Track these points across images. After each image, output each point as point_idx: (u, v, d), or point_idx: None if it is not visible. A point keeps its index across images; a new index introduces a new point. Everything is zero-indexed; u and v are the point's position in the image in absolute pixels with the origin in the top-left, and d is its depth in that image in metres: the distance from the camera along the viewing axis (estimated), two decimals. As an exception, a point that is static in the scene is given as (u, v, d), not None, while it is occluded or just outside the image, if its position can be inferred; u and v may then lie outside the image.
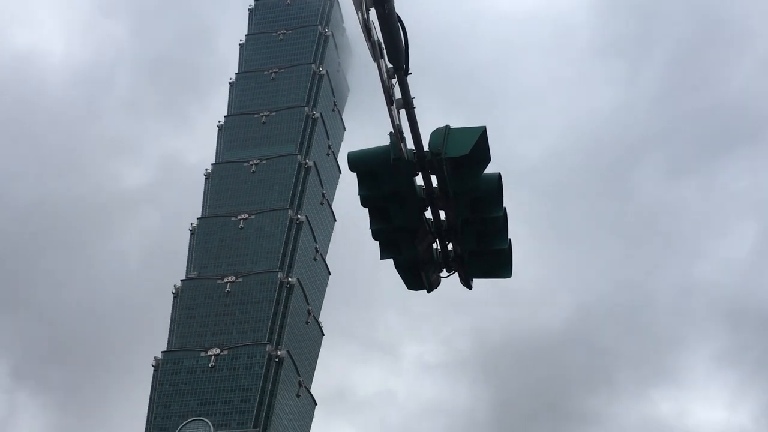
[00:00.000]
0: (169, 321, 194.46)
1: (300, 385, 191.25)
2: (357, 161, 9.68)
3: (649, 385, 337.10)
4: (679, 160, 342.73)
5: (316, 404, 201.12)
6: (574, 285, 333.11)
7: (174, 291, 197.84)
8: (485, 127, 9.25)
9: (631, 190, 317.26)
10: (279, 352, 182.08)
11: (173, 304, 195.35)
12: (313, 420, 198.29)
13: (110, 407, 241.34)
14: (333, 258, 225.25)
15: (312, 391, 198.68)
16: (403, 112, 9.34)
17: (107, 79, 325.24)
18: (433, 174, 9.57)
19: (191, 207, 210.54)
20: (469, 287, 10.28)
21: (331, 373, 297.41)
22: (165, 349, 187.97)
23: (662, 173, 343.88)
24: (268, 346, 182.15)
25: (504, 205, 9.72)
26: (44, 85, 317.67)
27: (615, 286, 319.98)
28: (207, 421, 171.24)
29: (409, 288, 10.52)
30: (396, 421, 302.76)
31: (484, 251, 9.81)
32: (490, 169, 9.53)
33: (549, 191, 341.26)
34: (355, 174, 9.81)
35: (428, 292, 10.49)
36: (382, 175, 9.57)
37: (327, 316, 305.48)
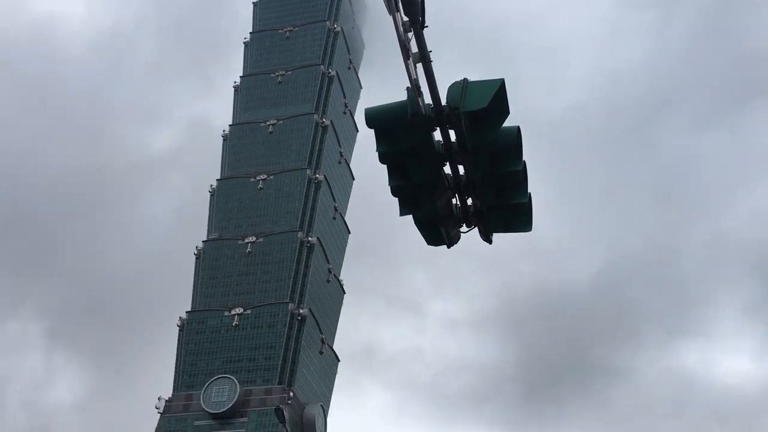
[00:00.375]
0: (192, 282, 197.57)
1: (323, 342, 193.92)
2: (374, 117, 9.60)
3: (675, 338, 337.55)
4: (706, 113, 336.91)
5: (339, 361, 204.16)
6: (601, 240, 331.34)
7: (196, 252, 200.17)
8: (503, 79, 9.12)
9: (657, 143, 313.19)
10: (301, 311, 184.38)
11: (196, 265, 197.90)
12: (338, 376, 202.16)
13: (141, 366, 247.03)
14: (352, 217, 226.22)
15: (337, 348, 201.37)
16: (420, 66, 9.22)
17: (129, 43, 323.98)
18: (451, 128, 9.49)
19: (216, 169, 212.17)
20: (489, 242, 10.27)
21: (358, 331, 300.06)
22: (189, 309, 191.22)
23: (688, 126, 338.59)
24: (290, 304, 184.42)
25: (523, 159, 9.64)
26: (65, 51, 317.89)
27: (642, 240, 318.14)
28: (233, 378, 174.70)
29: (429, 244, 10.54)
30: (423, 377, 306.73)
31: (503, 205, 9.78)
32: (509, 123, 9.43)
33: (573, 146, 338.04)
34: (372, 131, 9.74)
35: (448, 247, 10.51)
36: (400, 131, 9.50)
37: (349, 275, 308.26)
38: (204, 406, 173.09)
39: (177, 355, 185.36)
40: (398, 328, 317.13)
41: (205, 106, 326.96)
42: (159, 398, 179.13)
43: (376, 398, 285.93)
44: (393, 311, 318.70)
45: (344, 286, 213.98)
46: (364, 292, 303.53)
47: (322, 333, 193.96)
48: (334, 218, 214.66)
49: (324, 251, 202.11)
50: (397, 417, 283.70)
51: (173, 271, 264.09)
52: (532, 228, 9.92)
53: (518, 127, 9.44)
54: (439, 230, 10.20)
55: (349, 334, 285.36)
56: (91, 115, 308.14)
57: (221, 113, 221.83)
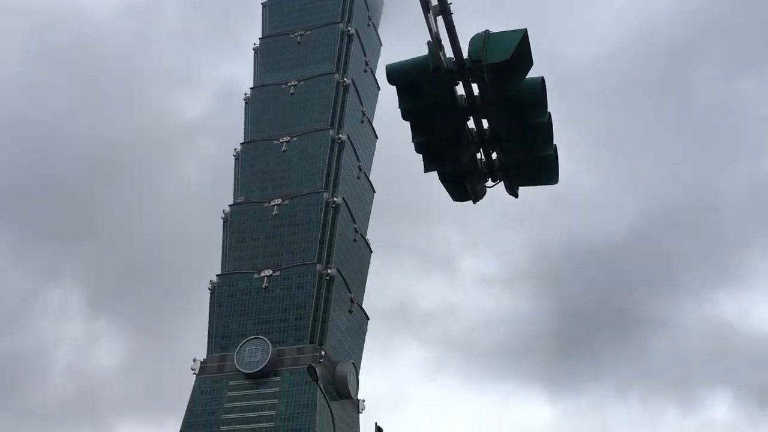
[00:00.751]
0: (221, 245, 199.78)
1: (352, 301, 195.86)
2: (395, 73, 9.48)
3: (713, 286, 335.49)
4: (742, 56, 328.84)
5: (368, 319, 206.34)
6: (636, 189, 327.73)
7: (223, 216, 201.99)
8: (526, 29, 8.93)
9: (692, 89, 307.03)
10: (329, 271, 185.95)
11: (223, 229, 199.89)
12: (371, 335, 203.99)
13: (177, 329, 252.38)
14: (377, 176, 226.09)
15: (369, 307, 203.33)
16: (440, 19, 9.06)
17: (156, 10, 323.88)
18: (473, 82, 9.35)
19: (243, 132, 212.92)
20: (515, 195, 10.19)
21: (390, 290, 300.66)
22: (219, 273, 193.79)
23: (724, 70, 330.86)
24: (318, 265, 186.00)
25: (548, 110, 9.49)
26: (95, 20, 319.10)
27: (679, 188, 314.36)
28: (265, 339, 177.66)
29: (454, 200, 10.48)
30: (457, 333, 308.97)
31: (528, 158, 9.66)
32: (534, 74, 9.26)
33: (605, 95, 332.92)
34: (394, 88, 9.64)
35: (474, 202, 10.44)
36: (422, 86, 9.39)
37: (379, 234, 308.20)
38: (238, 367, 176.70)
39: (209, 317, 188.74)
40: (431, 285, 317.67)
41: (232, 70, 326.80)
42: (194, 360, 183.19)
43: (410, 355, 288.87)
44: (425, 269, 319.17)
45: (372, 246, 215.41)
46: (395, 251, 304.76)
47: (350, 292, 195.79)
48: (359, 178, 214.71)
49: (350, 211, 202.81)
50: (432, 372, 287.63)
51: (206, 235, 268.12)
52: (559, 180, 9.81)
53: (542, 77, 9.27)
54: (464, 185, 10.12)
55: (381, 293, 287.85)
56: (122, 83, 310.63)
57: (248, 76, 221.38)
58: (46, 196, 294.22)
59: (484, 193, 10.32)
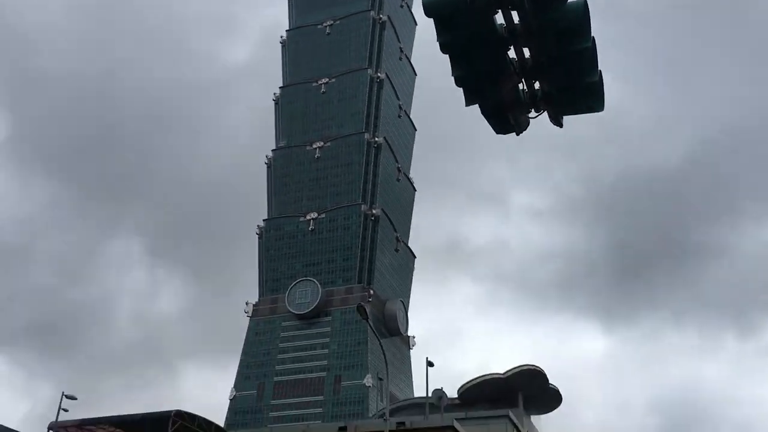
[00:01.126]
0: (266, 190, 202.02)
1: (398, 240, 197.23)
2: (432, 6, 9.24)
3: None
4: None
5: (415, 257, 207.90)
6: (692, 113, 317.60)
7: (266, 161, 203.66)
8: (566, -50, 8.56)
9: (749, 2, 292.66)
10: (374, 211, 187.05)
11: (267, 174, 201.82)
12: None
13: (232, 274, 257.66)
14: (418, 113, 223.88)
15: (420, 245, 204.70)
16: (476, -55, 8.75)
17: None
18: (513, 9, 9.07)
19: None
20: (560, 125, 9.97)
21: (440, 227, 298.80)
22: (266, 217, 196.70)
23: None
24: (362, 206, 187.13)
25: (592, 35, 9.16)
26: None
27: (737, 110, 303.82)
28: (314, 280, 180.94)
29: (497, 132, 10.31)
30: (510, 268, 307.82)
31: (573, 86, 9.39)
32: (574, -3, 8.91)
33: (657, 14, 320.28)
34: (431, 21, 9.40)
35: (517, 134, 10.26)
36: (460, 18, 9.14)
37: (424, 172, 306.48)
38: (289, 308, 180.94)
39: (259, 261, 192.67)
40: (481, 221, 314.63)
41: (272, 12, 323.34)
42: (247, 303, 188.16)
43: (462, 291, 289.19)
44: (474, 205, 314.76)
45: (418, 184, 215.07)
46: (442, 188, 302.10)
47: (396, 231, 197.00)
48: (399, 116, 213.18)
49: (392, 150, 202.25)
50: (485, 307, 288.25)
51: (251, 180, 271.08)
52: (605, 107, 9.54)
53: (585, 0, 8.93)
54: (506, 117, 9.93)
55: (430, 231, 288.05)
56: (167, 33, 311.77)
57: (286, 19, 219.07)
58: (102, 149, 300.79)
59: (527, 124, 10.12)
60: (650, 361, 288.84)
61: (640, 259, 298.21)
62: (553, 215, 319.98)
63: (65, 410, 39.72)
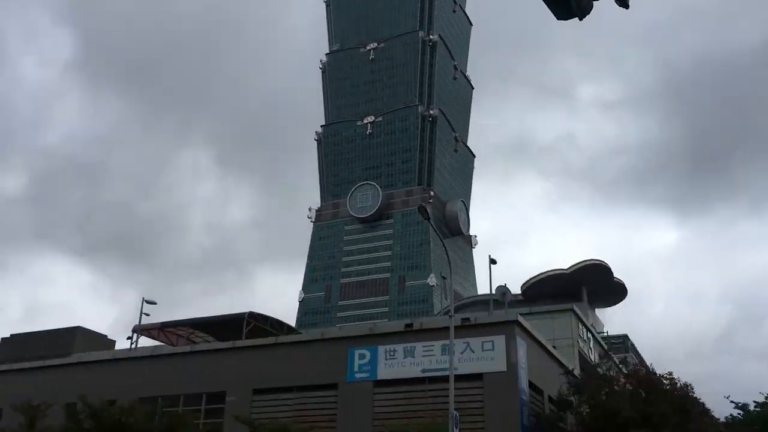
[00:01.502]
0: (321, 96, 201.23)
1: (456, 140, 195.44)
2: None
3: None
4: None
5: (474, 157, 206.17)
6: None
7: (321, 66, 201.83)
8: None
9: None
10: (431, 111, 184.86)
11: (322, 79, 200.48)
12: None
13: (295, 180, 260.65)
14: (473, 8, 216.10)
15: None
16: None
17: None
18: None
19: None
20: (626, 6, 9.42)
21: (504, 125, 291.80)
22: (324, 123, 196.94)
23: None
24: (419, 107, 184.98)
25: None
26: None
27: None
28: (374, 183, 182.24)
29: (558, 19, 9.82)
30: (579, 163, 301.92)
31: (640, -38, 8.82)
32: None
33: None
34: None
35: (580, 19, 9.75)
36: None
37: (485, 69, 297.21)
38: (351, 212, 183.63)
39: (319, 167, 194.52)
40: (548, 116, 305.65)
41: None
42: (309, 208, 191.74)
43: (528, 189, 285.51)
44: (541, 100, 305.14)
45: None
46: (505, 85, 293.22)
47: (454, 131, 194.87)
48: (454, 11, 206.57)
49: (447, 48, 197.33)
50: (554, 203, 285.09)
51: (308, 86, 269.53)
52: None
53: None
54: (567, 1, 9.45)
55: (492, 129, 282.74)
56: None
57: None
58: (167, 63, 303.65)
59: (591, 7, 9.59)
60: (724, 251, 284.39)
61: (717, 149, 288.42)
62: (624, 107, 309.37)
63: (147, 315, 41.89)
